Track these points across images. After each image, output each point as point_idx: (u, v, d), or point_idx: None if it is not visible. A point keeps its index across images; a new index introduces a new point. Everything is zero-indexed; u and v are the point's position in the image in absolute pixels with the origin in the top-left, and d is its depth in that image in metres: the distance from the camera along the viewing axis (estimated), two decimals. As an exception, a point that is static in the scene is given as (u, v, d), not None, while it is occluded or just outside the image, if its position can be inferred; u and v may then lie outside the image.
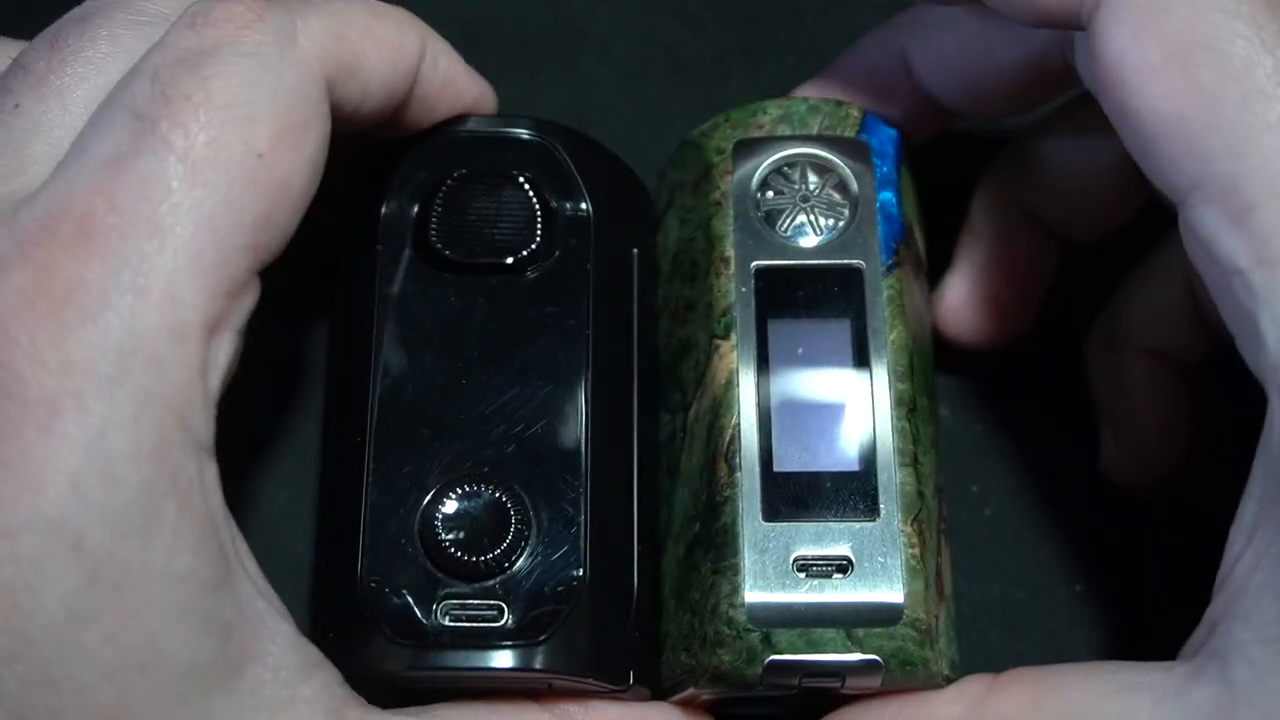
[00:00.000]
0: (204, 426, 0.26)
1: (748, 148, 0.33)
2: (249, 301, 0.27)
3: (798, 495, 0.30)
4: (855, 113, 0.34)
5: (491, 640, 0.28)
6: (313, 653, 0.27)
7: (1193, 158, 0.26)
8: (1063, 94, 0.34)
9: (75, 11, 0.28)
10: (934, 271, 0.36)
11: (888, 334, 0.31)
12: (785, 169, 0.33)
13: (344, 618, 0.29)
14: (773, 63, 0.41)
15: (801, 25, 0.41)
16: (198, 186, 0.25)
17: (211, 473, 0.26)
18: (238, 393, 0.36)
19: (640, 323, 0.33)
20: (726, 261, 0.32)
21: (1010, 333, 0.35)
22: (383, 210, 0.32)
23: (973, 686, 0.28)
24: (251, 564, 0.27)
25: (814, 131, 0.33)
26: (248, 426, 0.36)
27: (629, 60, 0.41)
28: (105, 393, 0.24)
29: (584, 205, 0.32)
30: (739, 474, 0.30)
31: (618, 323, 0.32)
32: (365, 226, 0.32)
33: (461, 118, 0.33)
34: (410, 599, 0.29)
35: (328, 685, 0.26)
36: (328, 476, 0.32)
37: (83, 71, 0.27)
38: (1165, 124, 0.26)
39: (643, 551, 0.31)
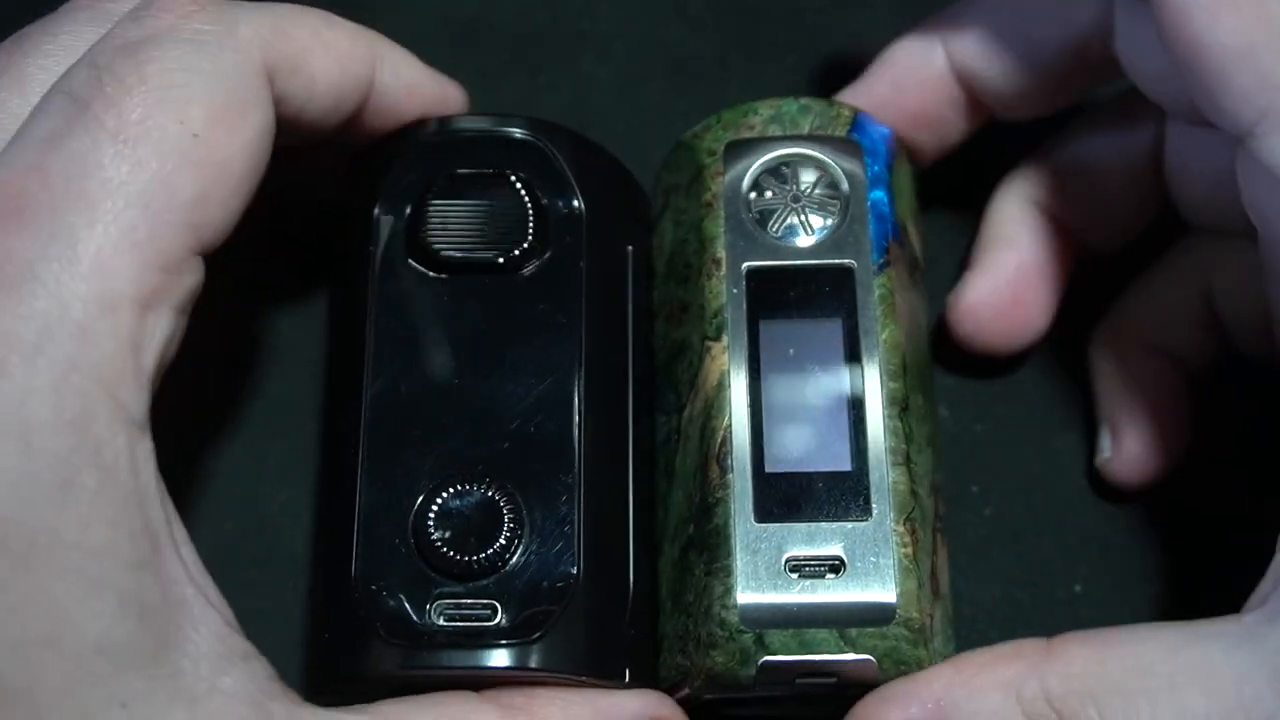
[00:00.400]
0: (136, 401, 0.26)
1: (739, 149, 0.33)
2: (189, 281, 0.27)
3: (790, 496, 0.30)
4: (846, 112, 0.33)
5: (485, 639, 0.28)
6: (240, 644, 0.26)
7: (1263, 87, 0.26)
8: (1100, 85, 0.34)
9: (48, 15, 0.29)
10: (932, 270, 0.36)
11: (879, 333, 0.31)
12: (776, 169, 0.33)
13: (338, 618, 0.29)
14: (773, 63, 0.41)
15: (801, 25, 0.41)
16: (130, 163, 0.26)
17: (144, 448, 0.26)
18: (238, 393, 0.37)
19: (635, 321, 0.33)
20: (718, 263, 0.32)
21: (1025, 337, 0.35)
22: (375, 210, 0.32)
23: (1029, 647, 0.28)
24: (188, 550, 0.26)
25: (805, 131, 0.33)
26: (248, 427, 0.36)
27: (629, 60, 0.41)
28: (27, 361, 0.24)
29: (577, 203, 0.32)
30: (731, 475, 0.30)
31: (612, 321, 0.32)
32: (358, 227, 0.32)
33: (453, 117, 0.33)
34: (404, 599, 0.29)
35: (253, 678, 0.26)
36: (323, 477, 0.32)
37: (43, 63, 0.28)
38: (1236, 57, 0.26)
39: (638, 550, 0.31)
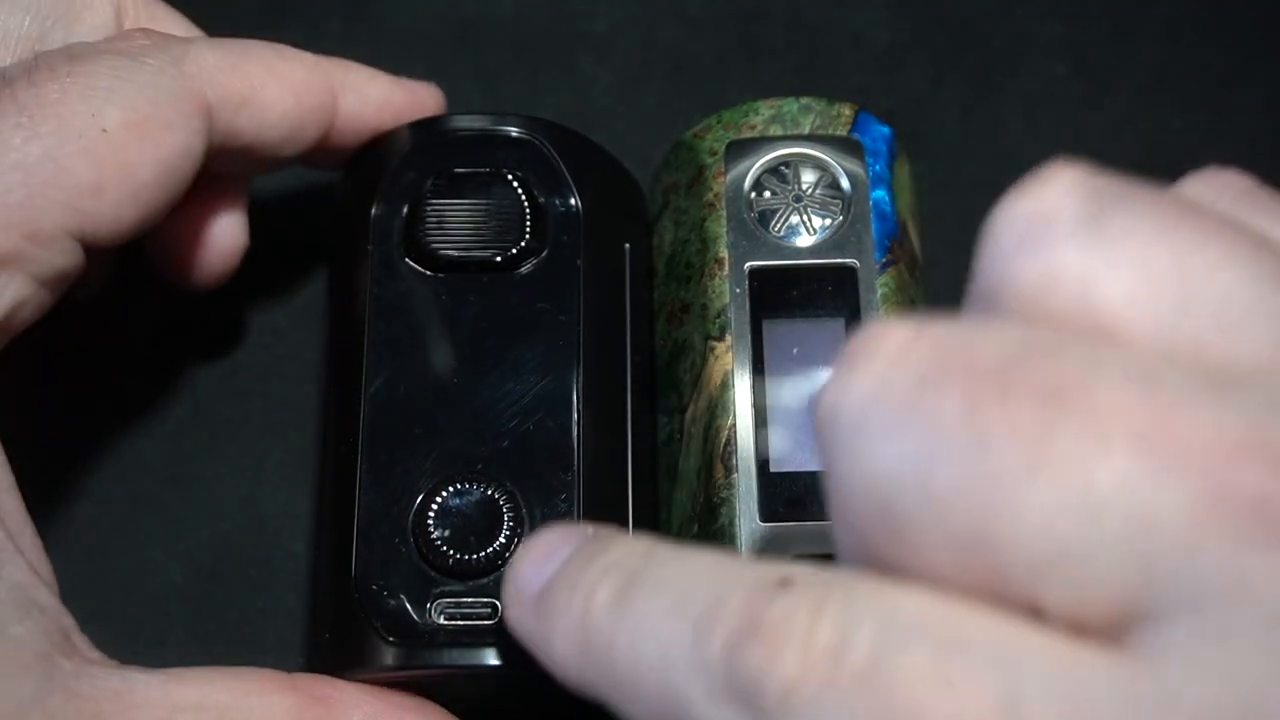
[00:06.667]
0: None
1: (740, 148, 0.33)
2: (60, 260, 0.27)
3: (795, 496, 0.30)
4: (847, 111, 0.33)
5: (486, 638, 0.28)
6: (41, 596, 0.26)
7: None
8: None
9: None
10: (933, 269, 0.36)
11: None
12: (778, 169, 0.33)
13: (339, 617, 0.29)
14: (773, 63, 0.41)
15: (801, 25, 0.41)
16: (27, 133, 0.27)
17: None
18: (238, 393, 0.37)
19: (633, 319, 0.32)
20: (720, 263, 0.32)
21: None
22: (372, 211, 0.32)
23: None
24: (9, 497, 0.27)
25: (806, 131, 0.33)
26: (248, 427, 0.36)
27: (629, 60, 0.41)
28: None
29: (573, 201, 0.32)
30: (735, 475, 0.30)
31: (610, 319, 0.32)
32: (356, 227, 0.32)
33: (449, 116, 0.33)
34: (404, 598, 0.29)
35: (45, 631, 0.25)
36: (322, 477, 0.32)
37: None
38: None
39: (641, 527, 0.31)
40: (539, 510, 0.29)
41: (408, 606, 0.28)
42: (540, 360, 0.30)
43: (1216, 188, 0.21)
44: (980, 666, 0.17)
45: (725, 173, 0.33)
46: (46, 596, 0.26)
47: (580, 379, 0.30)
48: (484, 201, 0.31)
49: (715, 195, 0.32)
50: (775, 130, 0.33)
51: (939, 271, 0.37)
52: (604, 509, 0.30)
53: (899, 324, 0.19)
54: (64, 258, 0.27)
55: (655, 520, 0.32)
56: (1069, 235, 0.18)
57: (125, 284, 0.37)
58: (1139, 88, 0.41)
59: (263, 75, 0.30)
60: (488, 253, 0.31)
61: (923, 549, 0.18)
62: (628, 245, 0.33)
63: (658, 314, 0.33)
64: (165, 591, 0.34)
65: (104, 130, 0.27)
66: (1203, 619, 0.16)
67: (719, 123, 0.34)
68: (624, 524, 0.31)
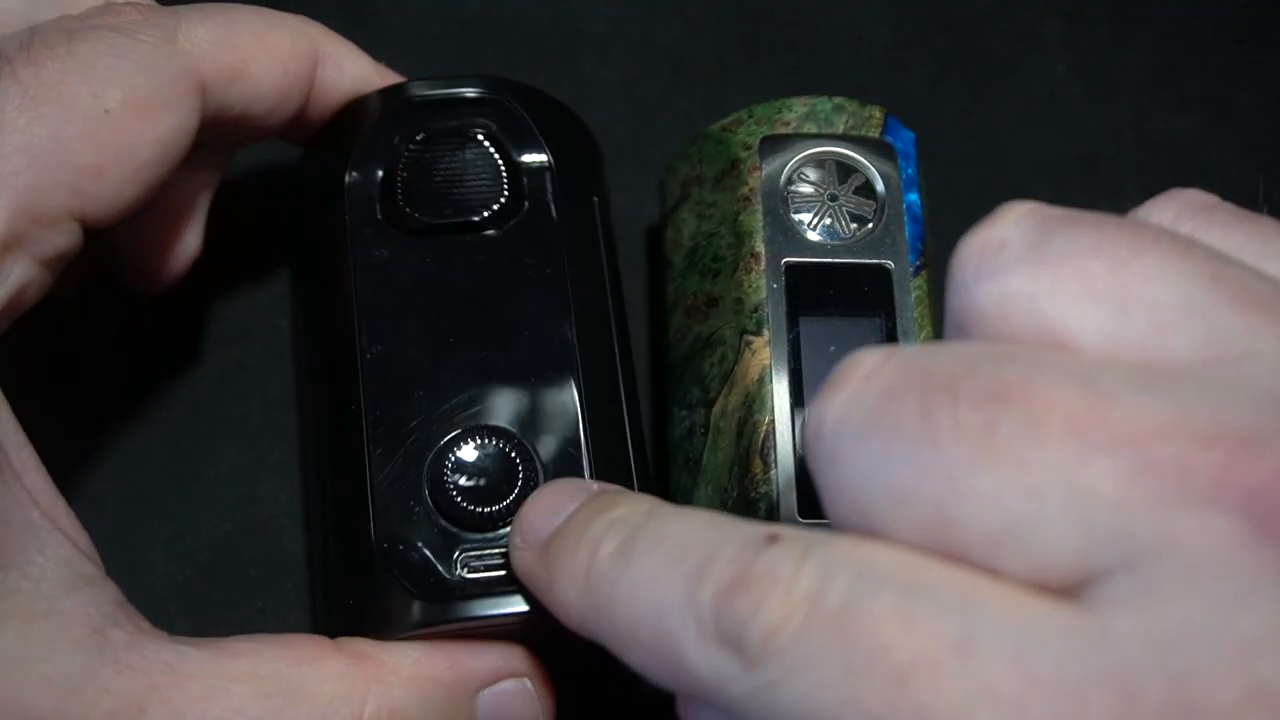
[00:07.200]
0: None
1: (775, 144, 0.33)
2: (61, 241, 0.27)
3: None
4: (878, 114, 0.34)
5: (514, 586, 0.28)
6: (87, 570, 0.26)
7: None
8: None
9: None
10: (932, 269, 0.36)
11: (918, 335, 0.31)
12: (814, 167, 0.33)
13: (364, 582, 0.29)
14: (773, 63, 0.41)
15: (801, 25, 0.41)
16: (31, 115, 0.27)
17: None
18: (238, 393, 0.37)
19: (609, 270, 0.33)
20: (757, 257, 0.32)
21: None
22: (346, 179, 0.32)
23: None
24: (37, 477, 0.27)
25: (839, 130, 0.33)
26: (248, 427, 0.36)
27: (629, 60, 0.41)
28: None
29: (545, 157, 0.32)
30: (774, 470, 0.30)
31: (592, 270, 0.32)
32: (330, 199, 0.32)
33: (413, 82, 0.33)
34: (430, 555, 0.29)
35: (95, 603, 0.26)
36: (320, 450, 0.31)
37: None
38: None
39: (644, 481, 0.31)
40: (549, 458, 0.29)
41: (434, 563, 0.28)
42: (533, 314, 0.31)
43: (1175, 206, 0.23)
44: (941, 610, 0.19)
45: (760, 167, 0.33)
46: (91, 569, 0.26)
47: (574, 329, 0.31)
48: (460, 163, 0.32)
49: (750, 189, 0.32)
50: (809, 128, 0.33)
51: (939, 271, 0.37)
52: (608, 452, 0.30)
53: (872, 351, 0.21)
54: (66, 239, 0.27)
55: (646, 460, 0.32)
56: (1016, 261, 0.20)
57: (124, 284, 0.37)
58: (1139, 88, 0.41)
59: (253, 48, 0.30)
60: (468, 214, 0.31)
61: (895, 537, 0.20)
62: (596, 198, 0.33)
63: (674, 307, 0.33)
64: (165, 591, 0.34)
65: (106, 111, 0.27)
66: (1137, 574, 0.18)
67: (750, 117, 0.34)
68: (625, 464, 0.31)
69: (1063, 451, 0.18)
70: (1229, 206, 0.23)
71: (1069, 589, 0.19)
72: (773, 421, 0.30)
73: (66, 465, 0.35)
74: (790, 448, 0.30)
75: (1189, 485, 0.18)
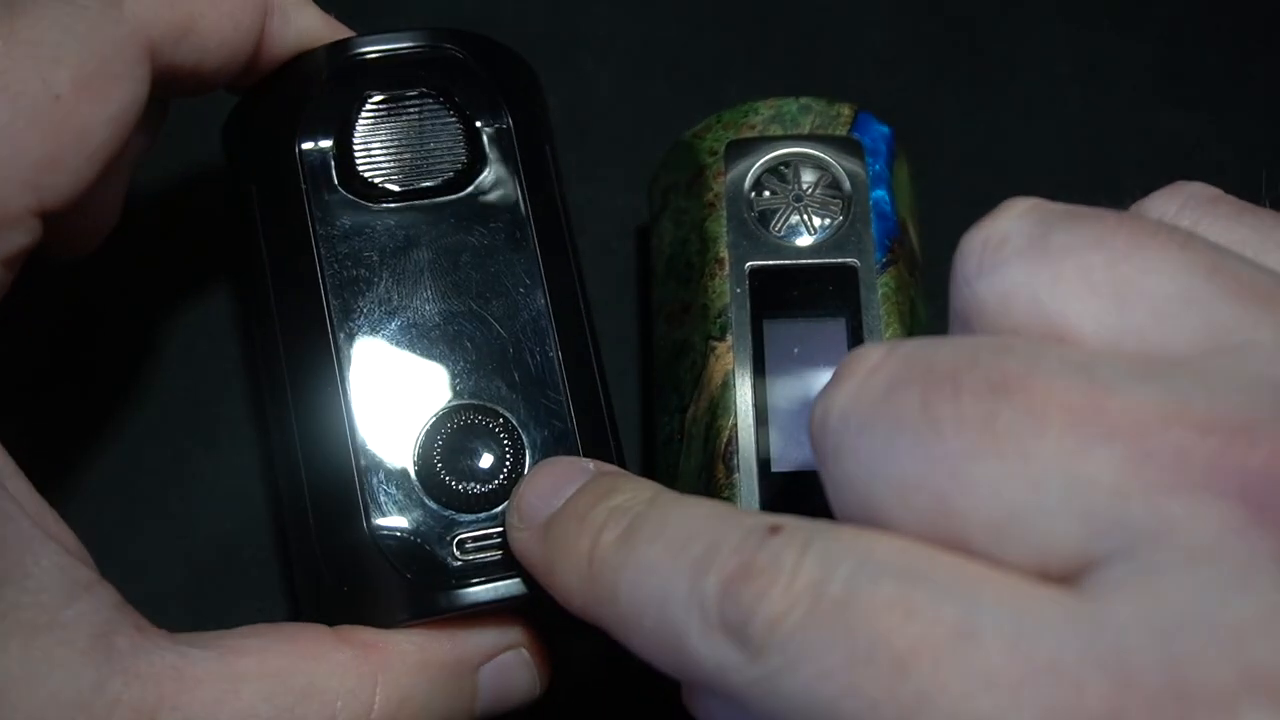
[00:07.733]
0: None
1: (740, 148, 0.33)
2: (22, 239, 0.27)
3: (796, 495, 0.30)
4: (847, 111, 0.33)
5: (514, 566, 0.28)
6: (84, 575, 0.26)
7: None
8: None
9: None
10: (933, 270, 0.36)
11: (883, 332, 0.31)
12: (778, 169, 0.33)
13: (359, 570, 0.28)
14: (773, 63, 0.41)
15: (801, 25, 0.41)
16: None
17: None
18: (238, 393, 0.37)
19: (565, 220, 0.32)
20: (721, 263, 0.32)
21: None
22: (299, 146, 0.30)
23: None
24: (19, 484, 0.26)
25: (806, 130, 0.33)
26: (247, 427, 0.36)
27: (629, 60, 0.41)
28: None
29: (503, 113, 0.31)
30: (737, 475, 0.30)
31: (554, 228, 0.31)
32: (284, 170, 0.30)
33: (360, 38, 0.31)
34: (425, 541, 0.28)
35: (96, 609, 0.25)
36: (301, 435, 0.30)
37: None
38: None
39: (620, 455, 0.30)
40: (538, 433, 0.29)
41: (430, 548, 0.28)
42: (505, 281, 0.30)
43: (1179, 199, 0.23)
44: (941, 598, 0.19)
45: (725, 173, 0.33)
46: (87, 573, 0.26)
47: (547, 296, 0.30)
48: (417, 125, 0.31)
49: (715, 195, 0.32)
50: (775, 130, 0.33)
51: (939, 271, 0.37)
52: (591, 424, 0.30)
53: (876, 345, 0.21)
54: (26, 236, 0.27)
55: (616, 429, 0.31)
56: (1017, 255, 0.21)
57: (124, 284, 0.37)
58: (1139, 88, 0.41)
59: (199, 3, 0.29)
60: (431, 178, 0.30)
61: (897, 528, 0.20)
62: (548, 147, 0.32)
63: (657, 314, 0.33)
64: (165, 591, 0.34)
65: (57, 97, 0.26)
66: (1135, 560, 0.18)
67: (719, 123, 0.34)
68: (611, 432, 0.30)
69: (1062, 441, 0.19)
70: (1232, 200, 0.23)
71: (1069, 576, 0.19)
72: (735, 426, 0.30)
73: (66, 466, 0.35)
74: (753, 452, 0.30)
75: (1186, 472, 0.18)
